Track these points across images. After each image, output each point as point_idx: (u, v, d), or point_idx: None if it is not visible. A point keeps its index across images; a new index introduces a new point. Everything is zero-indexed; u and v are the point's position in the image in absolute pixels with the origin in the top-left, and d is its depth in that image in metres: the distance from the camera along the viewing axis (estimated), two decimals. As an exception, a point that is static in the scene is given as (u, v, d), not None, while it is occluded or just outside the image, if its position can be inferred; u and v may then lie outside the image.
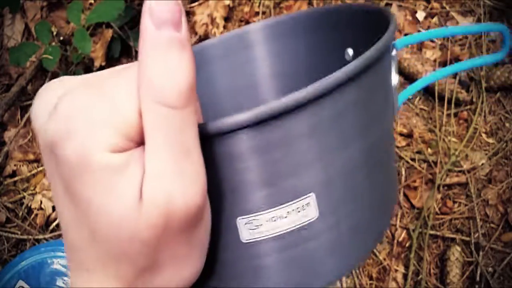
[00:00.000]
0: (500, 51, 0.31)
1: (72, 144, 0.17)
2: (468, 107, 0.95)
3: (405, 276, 0.85)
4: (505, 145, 0.91)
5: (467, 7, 1.01)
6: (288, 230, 0.22)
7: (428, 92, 0.96)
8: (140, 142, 0.18)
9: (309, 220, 0.22)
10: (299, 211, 0.21)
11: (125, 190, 0.17)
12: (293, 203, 0.21)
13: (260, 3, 1.04)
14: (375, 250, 0.86)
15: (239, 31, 0.37)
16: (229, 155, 0.20)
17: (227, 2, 1.02)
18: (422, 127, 0.93)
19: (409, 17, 1.00)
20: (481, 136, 0.93)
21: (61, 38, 0.99)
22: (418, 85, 0.32)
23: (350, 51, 0.33)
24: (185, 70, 0.17)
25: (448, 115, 0.94)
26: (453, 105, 0.94)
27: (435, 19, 1.00)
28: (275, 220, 0.21)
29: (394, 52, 0.26)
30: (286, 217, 0.21)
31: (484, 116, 0.94)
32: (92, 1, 1.05)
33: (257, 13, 1.03)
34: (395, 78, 0.26)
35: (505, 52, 0.31)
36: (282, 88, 0.38)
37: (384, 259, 0.86)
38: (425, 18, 1.00)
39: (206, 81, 0.38)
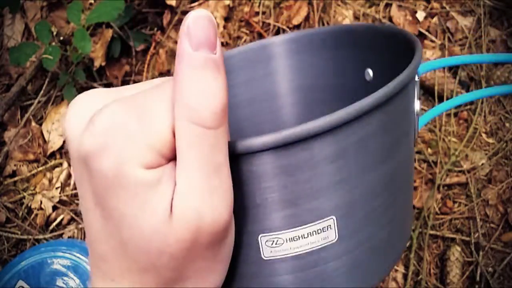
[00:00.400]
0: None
1: (108, 158, 0.17)
2: (468, 107, 0.95)
3: (405, 276, 0.85)
4: (505, 145, 0.91)
5: (467, 7, 1.01)
6: (308, 250, 0.22)
7: (428, 92, 0.96)
8: (171, 158, 0.18)
9: (329, 241, 0.22)
10: (319, 233, 0.22)
11: (157, 206, 0.18)
12: (314, 224, 0.21)
13: (260, 3, 1.04)
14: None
15: (261, 43, 0.38)
16: (253, 173, 0.20)
17: (227, 2, 1.02)
18: (423, 127, 0.93)
19: (409, 17, 1.00)
20: (481, 136, 0.93)
21: (61, 38, 0.99)
22: (441, 108, 0.31)
23: (370, 72, 0.34)
24: (219, 91, 0.18)
25: (448, 115, 0.94)
26: (453, 105, 0.94)
27: (435, 19, 1.00)
28: (295, 240, 0.22)
29: (417, 78, 0.26)
30: (306, 237, 0.22)
31: (484, 116, 0.94)
32: (92, 1, 1.05)
33: (257, 13, 1.03)
34: (417, 104, 0.26)
35: None
36: (301, 100, 0.39)
37: (384, 259, 0.86)
38: (425, 18, 1.00)
39: None
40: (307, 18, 1.01)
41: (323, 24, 1.01)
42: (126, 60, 1.04)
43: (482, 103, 0.94)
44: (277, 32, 1.02)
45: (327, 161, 0.21)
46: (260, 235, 0.22)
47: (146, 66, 1.01)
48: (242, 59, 0.38)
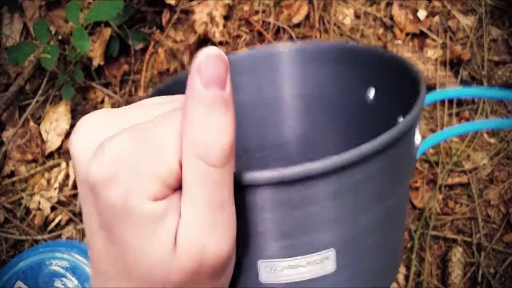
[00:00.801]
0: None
1: (117, 189, 0.18)
2: (470, 106, 0.94)
3: (406, 277, 0.84)
4: (507, 145, 0.91)
5: (468, 6, 1.00)
6: (306, 278, 0.23)
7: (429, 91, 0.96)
8: (177, 188, 0.19)
9: (327, 272, 0.23)
10: (317, 263, 0.23)
11: (162, 236, 0.18)
12: (313, 255, 0.22)
13: (260, 2, 1.03)
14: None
15: (267, 51, 0.39)
16: (256, 205, 0.21)
17: (227, 1, 1.02)
18: (424, 127, 0.93)
19: (410, 16, 0.99)
20: (483, 136, 0.93)
21: (60, 37, 0.98)
22: (436, 138, 0.32)
23: (371, 93, 0.35)
24: (227, 129, 0.18)
25: (450, 115, 0.94)
26: (454, 105, 0.94)
27: (436, 18, 1.00)
28: (294, 268, 0.22)
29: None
30: (304, 266, 0.22)
31: (486, 116, 0.93)
32: (91, 0, 1.04)
33: (257, 12, 1.02)
34: (418, 138, 0.27)
35: None
36: (304, 109, 0.40)
37: (385, 260, 0.85)
38: (427, 17, 0.99)
39: None
40: (307, 17, 1.01)
41: (324, 23, 1.00)
42: (125, 59, 1.03)
43: (483, 102, 0.93)
44: (277, 31, 1.01)
45: (328, 199, 0.22)
46: (259, 261, 0.22)
47: (145, 65, 1.00)
48: (247, 65, 0.38)
